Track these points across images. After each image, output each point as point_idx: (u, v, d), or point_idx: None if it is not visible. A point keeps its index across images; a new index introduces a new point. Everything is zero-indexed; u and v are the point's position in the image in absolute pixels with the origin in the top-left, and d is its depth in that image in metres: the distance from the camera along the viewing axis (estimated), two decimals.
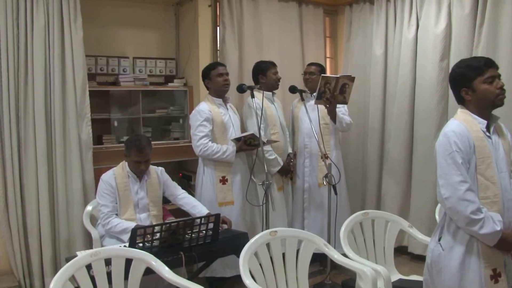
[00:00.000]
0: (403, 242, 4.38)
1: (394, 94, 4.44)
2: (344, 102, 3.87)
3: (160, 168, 3.46)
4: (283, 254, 2.71)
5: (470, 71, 2.21)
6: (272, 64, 4.07)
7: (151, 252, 2.53)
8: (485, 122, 2.22)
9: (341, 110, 4.00)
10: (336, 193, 3.47)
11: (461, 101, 2.29)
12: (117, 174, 3.26)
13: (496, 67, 2.23)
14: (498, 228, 2.11)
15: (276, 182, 4.01)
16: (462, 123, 2.21)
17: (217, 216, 2.96)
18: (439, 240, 2.28)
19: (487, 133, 2.21)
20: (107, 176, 3.27)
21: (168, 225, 2.77)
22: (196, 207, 3.36)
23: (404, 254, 4.35)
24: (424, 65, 4.14)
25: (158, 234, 2.75)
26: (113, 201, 3.21)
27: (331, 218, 3.59)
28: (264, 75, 4.03)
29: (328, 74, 4.98)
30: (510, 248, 2.18)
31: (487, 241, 2.14)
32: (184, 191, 3.51)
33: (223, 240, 3.07)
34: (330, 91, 3.73)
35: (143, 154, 3.20)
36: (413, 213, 4.30)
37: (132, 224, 3.06)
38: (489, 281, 2.16)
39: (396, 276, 3.02)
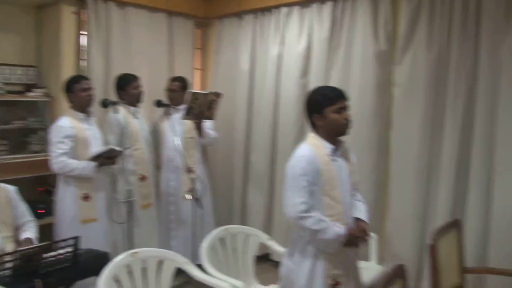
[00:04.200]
0: (267, 249, 4.57)
1: (258, 108, 4.62)
2: (211, 118, 3.97)
3: (11, 187, 3.10)
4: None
5: (323, 99, 2.42)
6: (132, 78, 3.96)
7: (1, 283, 2.39)
8: (331, 147, 2.46)
9: (207, 125, 4.07)
10: (201, 207, 3.53)
11: (313, 125, 2.51)
12: None
13: (346, 99, 2.46)
14: (341, 231, 2.36)
15: (142, 198, 3.97)
16: (311, 147, 2.44)
17: (76, 239, 2.86)
18: (291, 256, 2.50)
19: (333, 157, 2.45)
20: None
21: (21, 252, 2.62)
22: None
23: (269, 261, 4.49)
24: (286, 81, 4.38)
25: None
26: None
27: (197, 232, 3.65)
28: (123, 90, 3.94)
29: (195, 87, 5.03)
30: (357, 241, 2.44)
31: (335, 245, 2.37)
32: (30, 220, 3.18)
33: (83, 261, 2.93)
34: (199, 106, 3.81)
35: None
36: (275, 224, 4.51)
37: None
38: None
39: None
